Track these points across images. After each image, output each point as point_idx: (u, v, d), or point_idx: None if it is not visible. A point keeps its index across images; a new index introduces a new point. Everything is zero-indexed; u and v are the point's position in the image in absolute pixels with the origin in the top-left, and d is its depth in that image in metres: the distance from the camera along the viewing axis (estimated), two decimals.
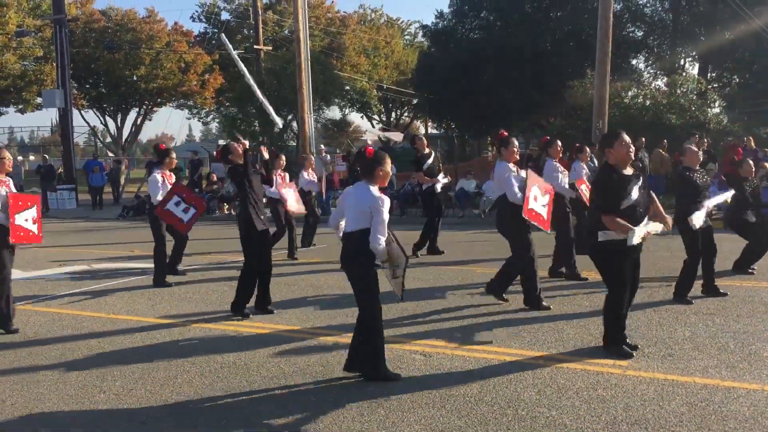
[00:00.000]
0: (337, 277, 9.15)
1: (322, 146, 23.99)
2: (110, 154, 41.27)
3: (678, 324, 6.65)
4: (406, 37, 47.47)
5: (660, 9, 30.73)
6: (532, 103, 27.05)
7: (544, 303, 7.37)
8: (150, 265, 9.67)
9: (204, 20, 42.76)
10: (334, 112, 44.14)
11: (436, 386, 5.08)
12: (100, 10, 39.01)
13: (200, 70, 38.79)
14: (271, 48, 33.00)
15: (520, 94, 27.02)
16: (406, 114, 48.85)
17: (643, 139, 17.22)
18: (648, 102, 21.66)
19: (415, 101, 41.28)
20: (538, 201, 7.24)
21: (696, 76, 26.78)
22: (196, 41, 41.58)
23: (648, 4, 30.70)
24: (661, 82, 28.46)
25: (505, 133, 7.72)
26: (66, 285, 9.61)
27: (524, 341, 6.23)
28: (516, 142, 7.56)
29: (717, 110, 24.22)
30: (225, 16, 41.90)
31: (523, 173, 7.31)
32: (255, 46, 30.56)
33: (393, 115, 47.84)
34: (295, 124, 28.35)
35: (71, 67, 27.13)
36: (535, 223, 7.22)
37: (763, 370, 5.23)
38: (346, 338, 5.70)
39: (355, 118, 58.14)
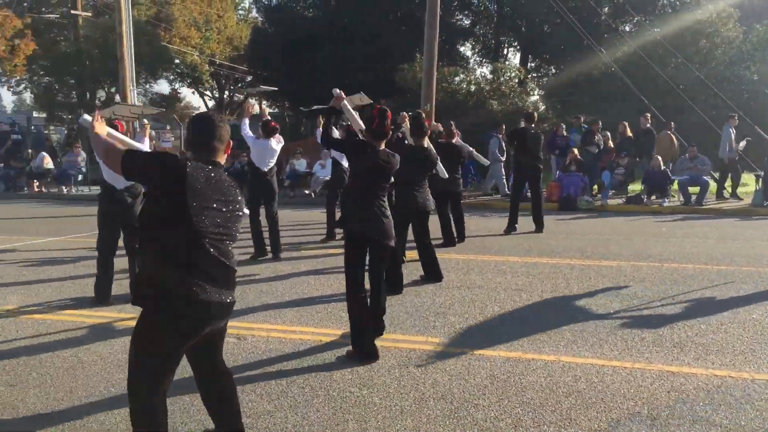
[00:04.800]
0: None
1: (146, 121, 22.67)
2: None
3: (489, 300, 6.94)
4: (240, 12, 46.15)
5: None
6: (364, 84, 27.22)
7: None
8: None
9: None
10: (162, 86, 42.16)
11: (248, 371, 4.92)
12: None
13: (9, 33, 35.34)
14: (90, 14, 30.76)
15: (352, 74, 27.17)
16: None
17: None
18: (473, 88, 22.58)
19: (248, 78, 40.32)
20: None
21: (517, 65, 28.31)
22: (4, 2, 37.86)
23: None
24: (486, 70, 29.84)
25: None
26: None
27: (341, 321, 6.22)
28: None
29: (535, 98, 25.81)
30: None
31: None
32: (72, 11, 28.33)
33: (226, 92, 46.46)
34: (118, 96, 26.71)
35: None
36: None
37: (560, 342, 5.57)
38: None
39: (187, 93, 55.76)
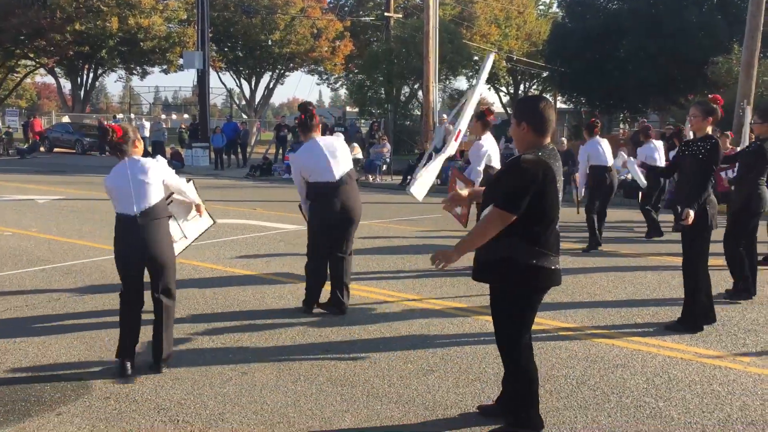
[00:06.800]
0: None
1: (444, 115, 23.80)
2: (244, 116, 42.96)
3: None
4: (540, 7, 46.01)
5: None
6: (670, 79, 25.57)
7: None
8: (271, 223, 9.94)
9: None
10: (461, 82, 43.69)
11: (540, 366, 4.92)
12: None
13: (331, 36, 39.49)
14: (401, 15, 32.99)
15: (657, 68, 25.59)
16: (534, 87, 47.55)
17: None
18: None
19: (544, 74, 40.08)
20: None
21: None
22: (329, 7, 42.29)
23: None
24: None
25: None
26: None
27: (637, 326, 5.92)
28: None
29: None
30: None
31: None
32: (386, 14, 30.65)
33: (521, 87, 46.71)
34: (420, 92, 28.36)
35: (211, 30, 28.34)
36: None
37: None
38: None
39: (482, 88, 57.15)
